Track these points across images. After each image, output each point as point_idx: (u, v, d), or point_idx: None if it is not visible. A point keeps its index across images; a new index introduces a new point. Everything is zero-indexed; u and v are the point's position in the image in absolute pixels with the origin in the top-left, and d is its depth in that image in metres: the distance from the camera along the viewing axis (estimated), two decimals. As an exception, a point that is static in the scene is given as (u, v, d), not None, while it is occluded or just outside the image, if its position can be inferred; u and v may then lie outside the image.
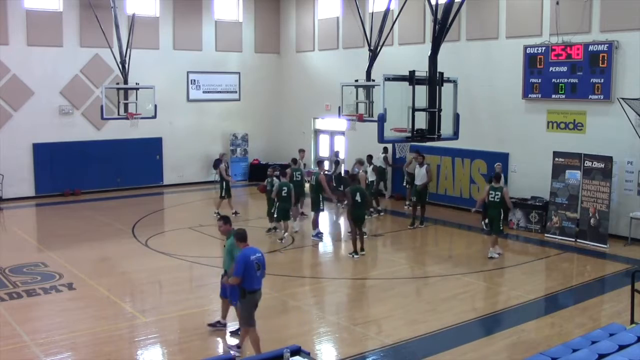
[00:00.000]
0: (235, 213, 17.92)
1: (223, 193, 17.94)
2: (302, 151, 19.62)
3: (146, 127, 21.01)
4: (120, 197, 21.42)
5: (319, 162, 17.67)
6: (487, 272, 12.85)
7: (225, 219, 9.30)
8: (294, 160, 17.73)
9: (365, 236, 15.57)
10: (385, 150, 20.16)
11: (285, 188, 15.06)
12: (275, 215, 15.32)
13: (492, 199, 13.73)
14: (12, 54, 20.23)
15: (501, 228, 13.83)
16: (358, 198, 13.80)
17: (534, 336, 9.45)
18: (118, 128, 21.45)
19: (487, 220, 14.55)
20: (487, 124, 18.01)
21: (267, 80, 25.54)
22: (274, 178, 15.62)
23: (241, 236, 8.46)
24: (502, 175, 14.63)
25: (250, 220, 17.52)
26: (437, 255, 14.40)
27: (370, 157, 18.48)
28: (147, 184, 23.05)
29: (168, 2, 23.08)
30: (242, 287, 8.29)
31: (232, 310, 9.59)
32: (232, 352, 8.74)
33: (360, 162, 16.62)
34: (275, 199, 15.05)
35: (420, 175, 16.57)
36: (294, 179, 16.59)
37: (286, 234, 15.36)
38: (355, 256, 13.83)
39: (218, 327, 9.61)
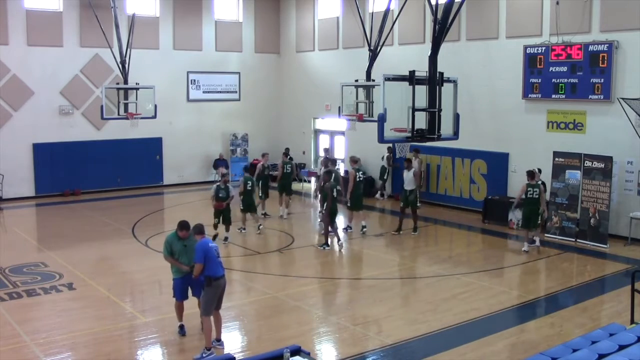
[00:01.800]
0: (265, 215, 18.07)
1: (260, 193, 18.04)
2: (326, 150, 20.37)
3: (146, 127, 21.02)
4: (120, 197, 21.42)
5: (333, 162, 17.92)
6: (487, 272, 12.85)
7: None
8: (286, 153, 18.88)
9: (365, 228, 16.11)
10: (390, 149, 20.14)
11: (249, 182, 15.69)
12: (241, 208, 15.83)
13: (531, 196, 14.12)
14: (12, 54, 20.24)
15: (538, 223, 14.43)
16: (335, 194, 14.65)
17: (534, 336, 9.45)
18: (118, 128, 21.47)
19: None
20: (487, 124, 18.01)
21: (267, 80, 25.55)
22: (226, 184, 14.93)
23: (198, 229, 8.95)
24: (537, 173, 14.77)
25: (250, 220, 17.52)
26: (437, 255, 14.40)
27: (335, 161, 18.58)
28: (147, 184, 23.05)
29: (168, 2, 23.08)
30: (207, 276, 8.62)
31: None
32: (218, 347, 8.87)
33: (354, 161, 16.74)
34: (240, 194, 15.65)
35: (408, 179, 16.06)
36: (285, 171, 17.73)
37: (261, 225, 16.13)
38: (327, 248, 14.54)
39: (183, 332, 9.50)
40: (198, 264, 8.63)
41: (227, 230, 14.99)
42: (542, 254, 14.25)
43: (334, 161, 18.08)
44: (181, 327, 9.49)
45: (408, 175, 16.06)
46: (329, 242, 14.78)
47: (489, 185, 18.09)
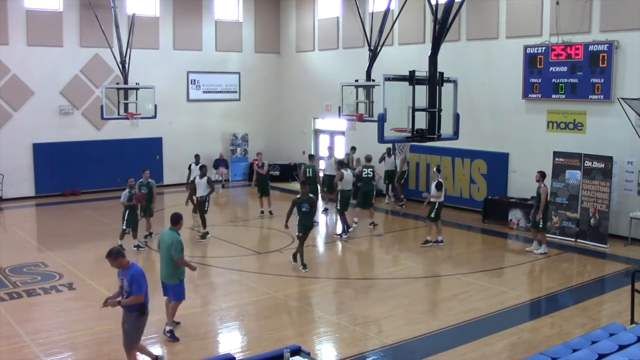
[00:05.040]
0: (264, 212, 18.20)
1: (258, 193, 18.32)
2: (353, 148, 20.11)
3: (146, 127, 21.02)
4: (120, 197, 21.30)
5: (311, 156, 18.01)
6: (487, 272, 12.85)
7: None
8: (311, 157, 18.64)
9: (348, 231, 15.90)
10: (388, 151, 20.16)
11: (143, 187, 15.08)
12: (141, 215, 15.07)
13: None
14: (12, 54, 20.24)
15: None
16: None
17: (534, 336, 9.45)
18: (118, 128, 21.47)
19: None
20: (487, 124, 18.01)
21: (267, 80, 25.55)
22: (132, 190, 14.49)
23: (117, 253, 7.95)
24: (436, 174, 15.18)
25: (251, 220, 17.56)
26: (437, 255, 14.39)
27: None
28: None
29: (168, 2, 23.08)
30: (143, 304, 7.87)
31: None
32: None
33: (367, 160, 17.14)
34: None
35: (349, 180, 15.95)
36: (307, 175, 17.08)
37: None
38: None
39: (173, 329, 9.49)
40: (140, 295, 7.74)
41: (136, 237, 14.61)
42: (541, 255, 14.24)
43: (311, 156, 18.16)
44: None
45: (348, 176, 15.99)
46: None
47: (489, 185, 18.08)
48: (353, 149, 20.02)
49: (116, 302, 7.85)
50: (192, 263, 9.66)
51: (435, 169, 15.72)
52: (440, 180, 14.90)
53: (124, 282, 7.77)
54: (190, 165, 18.69)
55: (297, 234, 13.04)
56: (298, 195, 13.14)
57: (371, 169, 16.69)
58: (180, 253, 9.24)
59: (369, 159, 17.28)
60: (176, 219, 9.49)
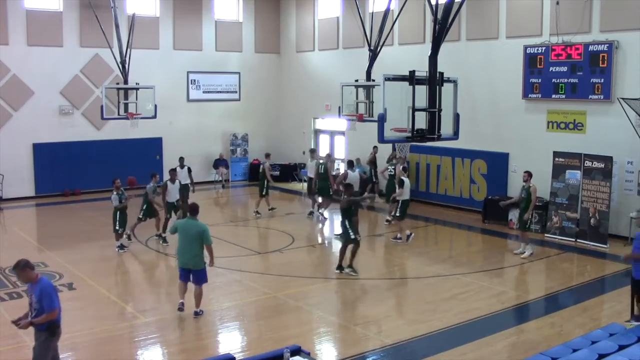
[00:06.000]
0: (272, 209, 18.56)
1: (264, 192, 18.30)
2: (375, 147, 19.93)
3: (146, 127, 21.00)
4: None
5: (327, 155, 18.18)
6: (487, 272, 12.85)
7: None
8: (327, 156, 18.57)
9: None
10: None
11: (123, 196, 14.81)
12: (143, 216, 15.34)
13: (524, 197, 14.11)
14: (12, 54, 20.24)
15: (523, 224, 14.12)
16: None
17: (534, 336, 9.45)
18: (118, 128, 21.46)
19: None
20: (487, 124, 18.01)
21: (267, 80, 25.55)
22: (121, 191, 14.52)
23: (26, 264, 7.10)
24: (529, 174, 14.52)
25: (251, 220, 17.55)
26: (437, 255, 14.40)
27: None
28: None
29: (168, 2, 23.08)
30: (55, 323, 7.04)
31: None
32: None
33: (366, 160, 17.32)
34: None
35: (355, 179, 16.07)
36: (320, 171, 17.40)
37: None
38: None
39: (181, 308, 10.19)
40: (53, 310, 6.94)
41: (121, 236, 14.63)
42: (541, 254, 14.24)
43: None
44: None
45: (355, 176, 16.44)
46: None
47: (489, 185, 18.08)
48: (375, 148, 20.00)
49: (27, 323, 7.00)
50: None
51: (401, 167, 16.07)
52: (402, 178, 15.23)
53: (33, 298, 7.00)
54: (175, 169, 18.36)
55: (352, 236, 12.47)
56: (344, 196, 12.78)
57: (393, 167, 17.29)
58: (211, 239, 10.10)
59: (392, 157, 17.76)
60: (196, 208, 10.23)
